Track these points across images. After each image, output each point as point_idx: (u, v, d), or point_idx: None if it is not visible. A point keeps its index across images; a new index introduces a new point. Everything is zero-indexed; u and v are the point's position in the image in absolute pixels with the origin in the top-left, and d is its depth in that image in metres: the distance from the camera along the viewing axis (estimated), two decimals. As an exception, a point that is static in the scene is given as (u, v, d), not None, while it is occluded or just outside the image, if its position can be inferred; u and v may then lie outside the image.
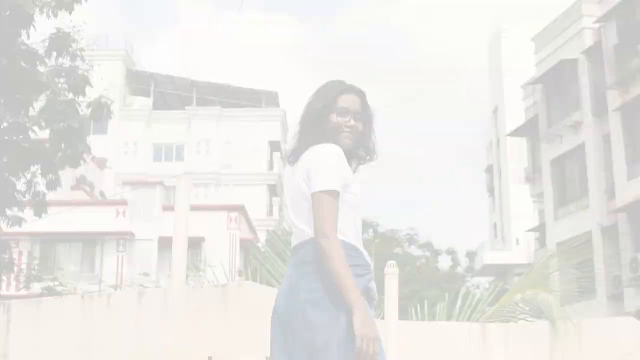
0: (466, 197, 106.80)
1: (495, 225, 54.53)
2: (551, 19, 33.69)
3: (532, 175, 36.54)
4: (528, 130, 36.65)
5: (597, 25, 29.06)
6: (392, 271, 6.52)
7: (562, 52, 31.37)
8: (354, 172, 3.56)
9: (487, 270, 48.08)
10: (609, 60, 27.86)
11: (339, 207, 3.34)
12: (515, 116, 43.47)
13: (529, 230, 40.43)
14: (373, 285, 3.38)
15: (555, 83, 32.28)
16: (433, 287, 32.10)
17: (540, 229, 36.66)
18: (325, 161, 3.38)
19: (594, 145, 29.66)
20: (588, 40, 30.03)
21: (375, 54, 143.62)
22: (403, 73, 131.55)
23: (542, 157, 33.43)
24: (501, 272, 48.93)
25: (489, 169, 55.70)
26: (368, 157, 3.62)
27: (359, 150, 3.60)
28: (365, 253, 3.42)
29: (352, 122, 3.52)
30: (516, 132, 38.22)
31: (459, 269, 35.69)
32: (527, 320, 7.58)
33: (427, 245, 34.94)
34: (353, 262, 3.28)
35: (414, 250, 34.68)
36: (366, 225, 34.02)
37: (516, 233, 46.46)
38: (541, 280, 7.59)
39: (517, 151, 39.74)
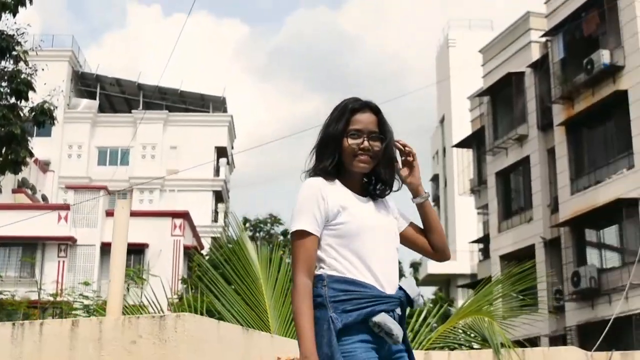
0: (413, 206, 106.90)
1: (440, 234, 54.75)
2: (500, 31, 34.01)
3: (477, 187, 36.78)
4: (474, 141, 36.90)
5: (544, 39, 29.37)
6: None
7: (510, 65, 31.64)
8: (381, 196, 3.42)
9: (431, 279, 48.39)
10: (555, 74, 28.17)
11: (325, 240, 3.24)
12: (462, 127, 43.81)
13: (473, 242, 40.72)
14: (382, 318, 3.13)
15: (502, 95, 32.56)
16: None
17: (484, 240, 36.92)
18: (297, 200, 3.27)
19: (538, 158, 29.95)
20: (535, 53, 30.33)
21: (322, 60, 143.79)
22: (350, 79, 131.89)
23: (488, 169, 33.67)
24: (444, 282, 49.29)
25: (435, 178, 56.09)
26: (381, 186, 3.43)
27: (375, 179, 3.43)
28: (375, 283, 3.20)
29: (366, 143, 3.31)
30: (462, 144, 38.46)
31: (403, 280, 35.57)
32: (472, 347, 7.50)
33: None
34: (343, 297, 3.13)
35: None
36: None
37: (460, 243, 46.82)
38: (486, 306, 7.52)
39: (463, 162, 40.00)
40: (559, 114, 28.16)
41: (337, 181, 3.35)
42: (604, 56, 25.17)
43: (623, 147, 25.18)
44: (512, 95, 31.50)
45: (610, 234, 26.39)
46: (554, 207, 28.78)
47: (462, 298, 44.60)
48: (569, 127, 27.65)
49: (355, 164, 3.32)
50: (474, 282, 38.38)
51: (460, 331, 7.68)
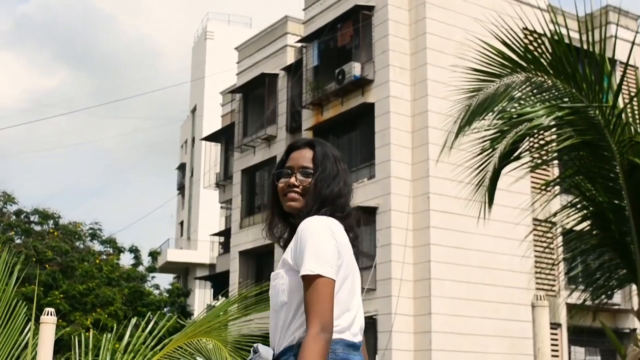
0: (159, 193, 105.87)
1: (182, 223, 54.51)
2: (258, 31, 34.14)
3: (223, 182, 36.80)
4: (223, 136, 36.84)
5: (299, 45, 29.78)
6: (49, 319, 5.82)
7: (264, 66, 31.82)
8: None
9: (169, 267, 47.82)
10: (307, 80, 28.61)
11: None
12: (213, 120, 43.67)
13: (214, 234, 40.70)
14: None
15: (254, 94, 32.67)
16: (112, 285, 31.03)
17: (226, 234, 36.98)
18: (315, 241, 2.98)
19: (285, 160, 30.21)
20: (290, 57, 30.69)
21: (72, 34, 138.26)
22: (102, 58, 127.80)
23: (235, 166, 33.69)
24: (183, 270, 48.92)
25: (182, 167, 55.58)
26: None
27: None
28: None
29: (293, 179, 3.06)
30: (211, 137, 38.31)
31: (141, 268, 34.85)
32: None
33: (110, 242, 33.74)
34: None
35: (97, 246, 33.32)
36: (48, 216, 32.20)
37: (202, 234, 46.73)
38: (217, 328, 7.24)
39: (210, 155, 39.85)
40: (308, 119, 28.65)
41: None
42: (355, 68, 25.87)
43: (366, 157, 25.99)
44: (264, 95, 31.67)
45: (347, 239, 27.09)
46: (296, 210, 29.16)
47: (199, 288, 44.50)
48: (316, 133, 28.17)
49: (285, 205, 3.09)
50: (212, 275, 38.41)
51: (187, 352, 7.29)
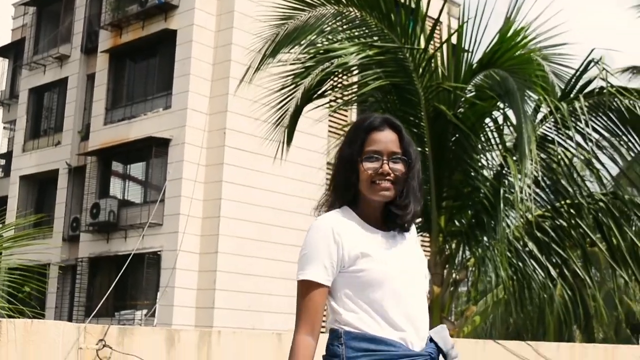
0: None
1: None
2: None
3: (8, 100, 34.45)
4: (12, 51, 34.44)
5: (101, -39, 28.05)
6: None
7: (61, -20, 29.83)
8: (405, 230, 2.88)
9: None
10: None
11: (341, 289, 2.76)
12: (3, 33, 40.73)
13: (-5, 157, 38.22)
14: None
15: (49, 10, 30.62)
16: None
17: (7, 157, 34.73)
18: (305, 243, 2.80)
19: (77, 82, 28.63)
20: (90, -27, 28.90)
21: None
22: None
23: (22, 84, 31.52)
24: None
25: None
26: (401, 214, 2.83)
27: (393, 208, 2.84)
28: (402, 340, 2.71)
29: (386, 167, 2.79)
30: (-1, 51, 35.74)
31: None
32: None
33: None
34: (365, 359, 2.68)
35: None
36: None
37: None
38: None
39: (-2, 70, 37.09)
40: (106, 40, 27.15)
41: (354, 215, 2.85)
42: (159, -8, 24.68)
43: (164, 86, 24.98)
44: (60, 11, 29.73)
45: (137, 170, 26.16)
46: (85, 135, 27.80)
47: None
48: (113, 56, 26.81)
49: (374, 192, 2.81)
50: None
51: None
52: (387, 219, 2.86)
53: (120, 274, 20.76)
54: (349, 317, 2.75)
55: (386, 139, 2.86)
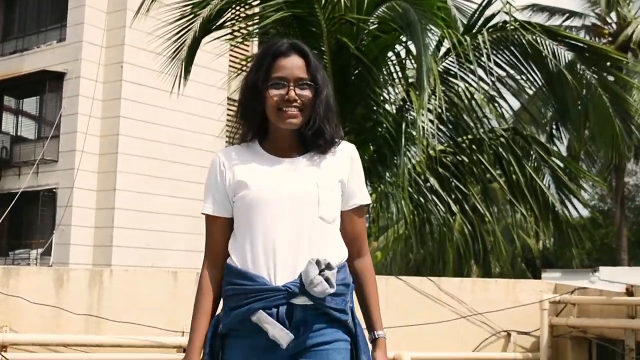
0: None
1: None
2: None
3: None
4: None
5: None
6: None
7: None
8: (322, 153, 2.77)
9: None
10: None
11: (235, 221, 2.74)
12: None
13: None
14: (257, 318, 2.57)
15: None
16: None
17: None
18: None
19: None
20: None
21: None
22: None
23: None
24: None
25: None
26: (322, 142, 2.75)
27: (309, 134, 2.74)
28: (266, 272, 2.61)
29: (292, 93, 2.69)
30: None
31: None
32: None
33: None
34: (230, 293, 2.66)
35: None
36: None
37: None
38: None
39: None
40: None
41: (253, 146, 2.81)
42: None
43: (58, 18, 23.89)
44: None
45: (30, 105, 25.19)
46: None
47: None
48: (2, -15, 25.62)
49: (281, 120, 2.72)
50: None
51: None
52: (306, 144, 2.80)
53: (9, 211, 20.09)
54: (230, 248, 2.73)
55: (292, 64, 2.74)
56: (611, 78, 9.79)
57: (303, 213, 2.67)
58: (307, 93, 2.72)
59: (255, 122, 2.78)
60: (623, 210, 28.00)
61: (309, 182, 2.71)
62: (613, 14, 27.98)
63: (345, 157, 2.82)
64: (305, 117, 2.73)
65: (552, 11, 28.27)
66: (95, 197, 22.76)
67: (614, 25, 28.03)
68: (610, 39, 27.34)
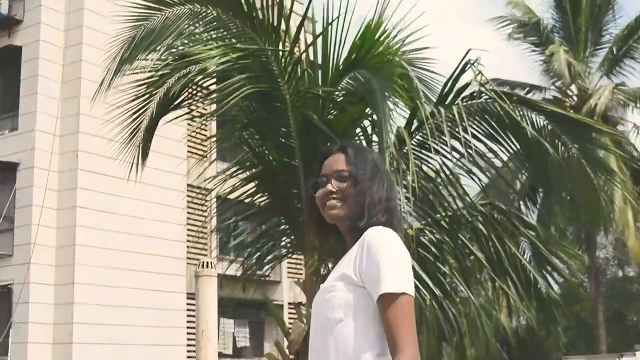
0: None
1: None
2: None
3: None
4: None
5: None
6: None
7: None
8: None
9: None
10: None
11: None
12: None
13: None
14: None
15: None
16: None
17: None
18: (392, 251, 2.68)
19: None
20: None
21: None
22: None
23: None
24: None
25: None
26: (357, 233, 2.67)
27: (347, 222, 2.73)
28: None
29: (330, 186, 2.72)
30: None
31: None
32: None
33: None
34: None
35: None
36: None
37: None
38: None
39: None
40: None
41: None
42: (1, 6, 23.12)
43: (10, 106, 23.48)
44: None
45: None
46: None
47: None
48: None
49: (325, 213, 2.77)
50: None
51: None
52: None
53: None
54: None
55: (331, 161, 2.83)
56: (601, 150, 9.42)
57: (318, 315, 2.71)
58: (344, 184, 2.73)
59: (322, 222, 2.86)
60: (598, 285, 27.54)
61: (326, 282, 2.72)
62: (573, 87, 28.01)
63: (357, 245, 2.69)
64: (350, 208, 2.72)
65: (513, 85, 28.29)
66: (53, 291, 21.83)
67: (574, 98, 28.03)
68: (571, 111, 27.30)
